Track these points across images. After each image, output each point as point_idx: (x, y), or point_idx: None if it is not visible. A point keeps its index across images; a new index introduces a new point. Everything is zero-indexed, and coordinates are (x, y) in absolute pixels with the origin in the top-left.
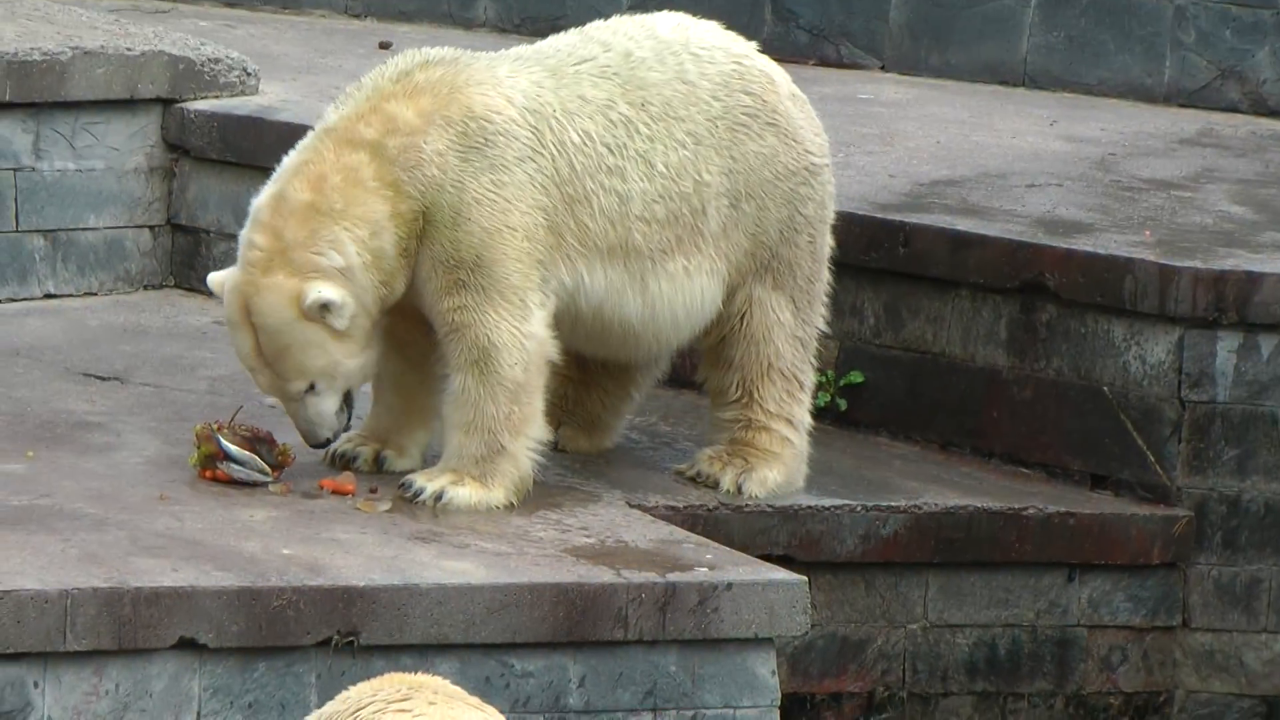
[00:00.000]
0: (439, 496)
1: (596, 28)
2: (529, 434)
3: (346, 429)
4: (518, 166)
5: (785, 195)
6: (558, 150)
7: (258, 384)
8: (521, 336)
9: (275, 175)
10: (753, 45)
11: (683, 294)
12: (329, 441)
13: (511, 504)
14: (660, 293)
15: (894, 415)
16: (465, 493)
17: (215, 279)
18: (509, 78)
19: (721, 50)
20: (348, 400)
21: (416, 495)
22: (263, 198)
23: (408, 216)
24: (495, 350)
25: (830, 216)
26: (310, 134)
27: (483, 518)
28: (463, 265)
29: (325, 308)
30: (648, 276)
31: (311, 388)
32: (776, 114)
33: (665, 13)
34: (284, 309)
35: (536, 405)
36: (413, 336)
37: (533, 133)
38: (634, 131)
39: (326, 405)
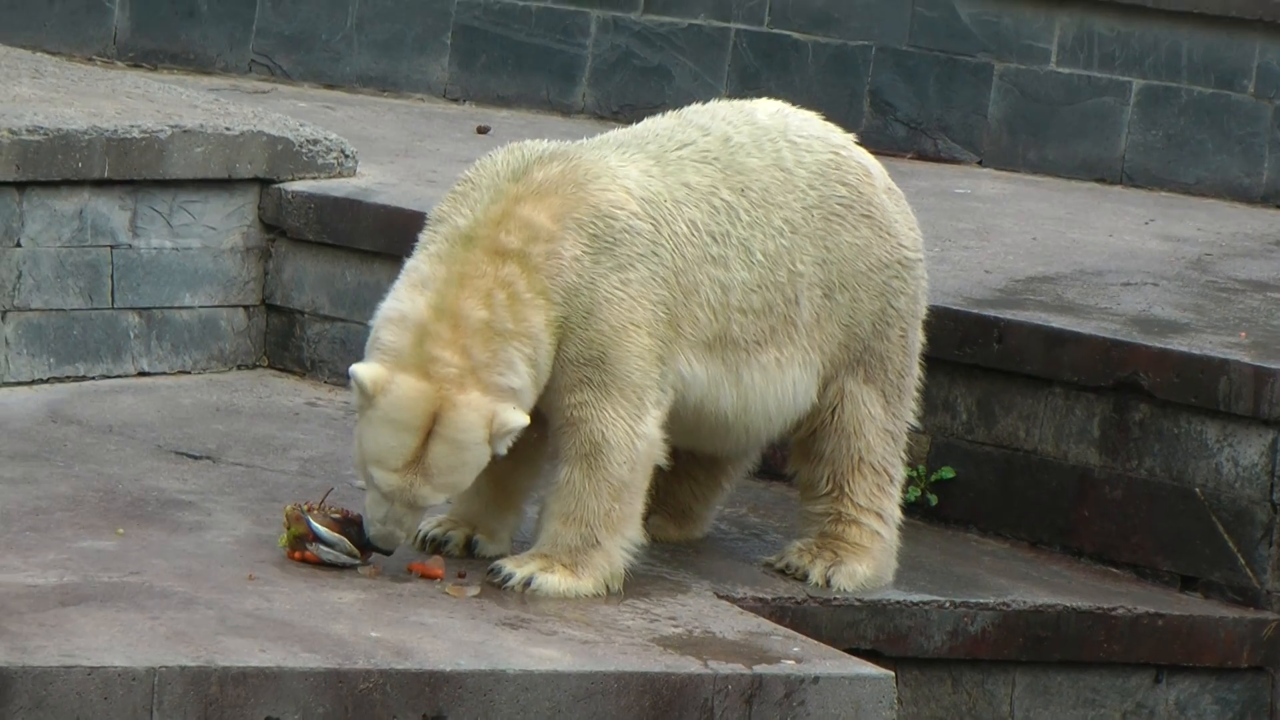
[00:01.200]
0: (528, 582)
1: (694, 112)
2: (625, 533)
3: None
4: (641, 263)
5: (878, 288)
6: (673, 242)
7: (383, 483)
8: (634, 436)
9: (417, 282)
10: (850, 137)
11: (775, 386)
12: (393, 550)
13: (600, 594)
14: (753, 385)
15: (984, 511)
16: (554, 580)
17: (369, 374)
18: (621, 168)
19: (819, 140)
20: None
21: (505, 581)
22: (422, 309)
23: (555, 324)
24: (607, 447)
25: (923, 311)
26: (437, 237)
27: (571, 605)
28: (590, 363)
29: (507, 433)
30: (742, 369)
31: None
32: (872, 206)
33: (764, 100)
34: (479, 429)
35: (637, 506)
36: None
37: (653, 225)
38: (735, 219)
39: (419, 520)
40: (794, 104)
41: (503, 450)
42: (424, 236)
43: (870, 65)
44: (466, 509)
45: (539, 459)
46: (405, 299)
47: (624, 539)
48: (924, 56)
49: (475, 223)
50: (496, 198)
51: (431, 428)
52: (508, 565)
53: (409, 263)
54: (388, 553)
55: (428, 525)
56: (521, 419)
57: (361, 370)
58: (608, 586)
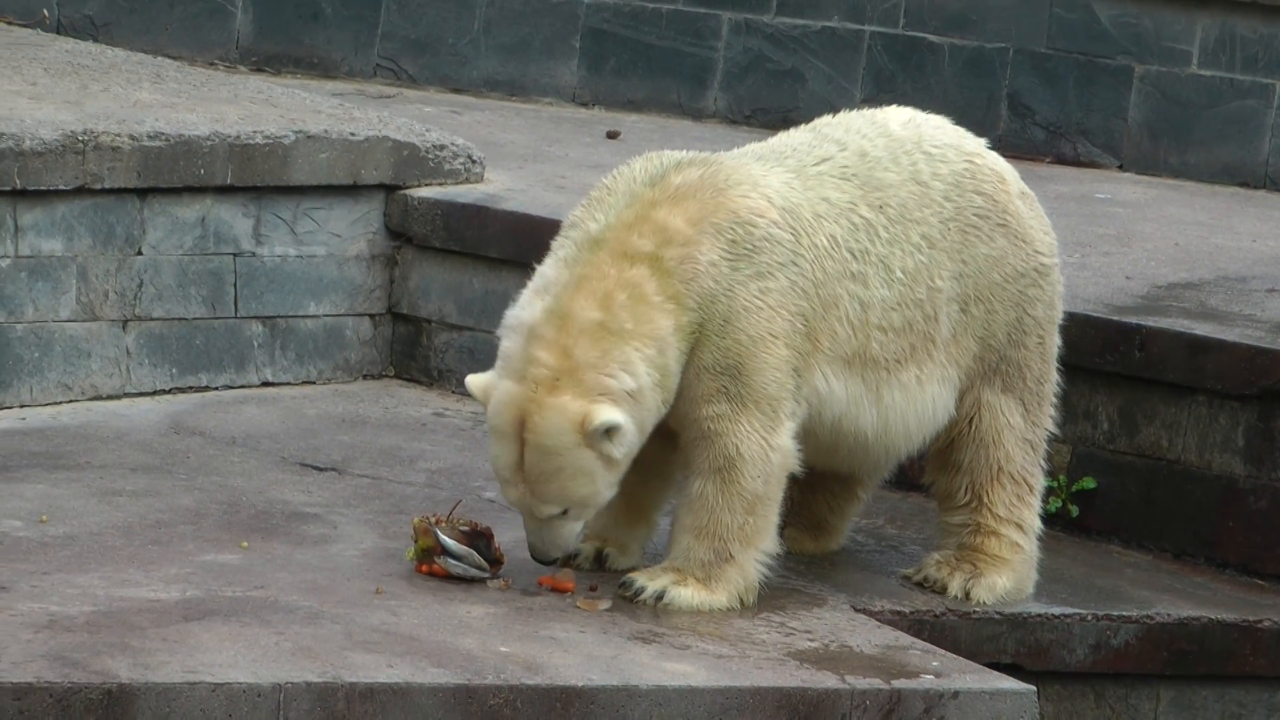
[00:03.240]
0: (660, 596)
1: (828, 125)
2: (760, 546)
3: (576, 553)
4: (780, 272)
5: (1014, 298)
6: (812, 254)
7: (506, 496)
8: (768, 448)
9: (540, 287)
10: (983, 142)
11: (915, 405)
12: (555, 562)
13: (734, 608)
14: (894, 404)
15: (1127, 523)
16: (688, 593)
17: (478, 383)
18: (763, 176)
19: (953, 149)
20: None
21: (637, 594)
22: (537, 313)
23: (687, 329)
24: (741, 461)
25: (1059, 317)
26: (567, 243)
27: (704, 619)
28: (727, 372)
29: (609, 433)
30: (882, 388)
31: (564, 513)
32: (1007, 214)
33: (895, 108)
34: (567, 432)
35: (771, 518)
36: (653, 445)
37: (793, 235)
38: (874, 236)
39: (569, 530)
40: (930, 108)
41: (617, 454)
42: (556, 242)
43: (1008, 68)
44: (597, 522)
45: (670, 471)
46: (524, 305)
47: (758, 552)
48: (1063, 59)
49: (606, 227)
50: (631, 202)
51: (522, 434)
52: (640, 579)
53: (538, 269)
54: (544, 564)
55: None
56: (615, 417)
57: (471, 379)
58: (742, 600)
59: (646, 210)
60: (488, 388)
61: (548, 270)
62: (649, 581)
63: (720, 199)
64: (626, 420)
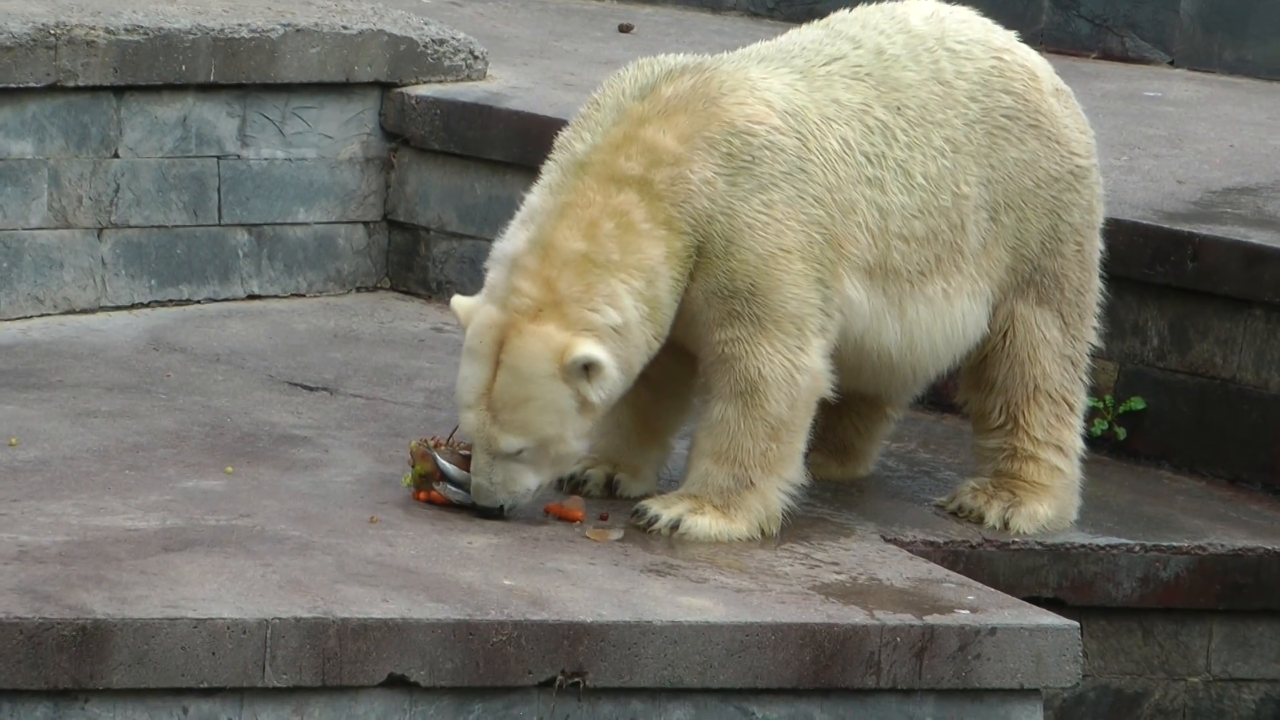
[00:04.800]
0: (675, 525)
1: (843, 20)
2: (784, 474)
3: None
4: (786, 182)
5: (1048, 204)
6: (823, 158)
7: (465, 423)
8: (794, 370)
9: (525, 216)
10: (1013, 35)
11: (943, 320)
12: (501, 510)
13: (754, 538)
14: (919, 319)
15: (1178, 446)
16: (705, 522)
17: (462, 305)
18: (763, 80)
19: (980, 44)
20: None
21: (651, 523)
22: (520, 244)
23: (682, 255)
24: (764, 384)
25: (1099, 221)
26: (554, 167)
27: (723, 550)
28: (737, 295)
29: (589, 371)
30: (906, 302)
31: (519, 452)
32: (1039, 114)
33: (917, 1)
34: (545, 359)
35: (797, 445)
36: (656, 357)
37: (798, 139)
38: (891, 139)
39: (521, 477)
40: (966, 1)
41: (595, 397)
42: (544, 167)
43: None
44: (607, 444)
45: (686, 392)
46: (510, 237)
47: (782, 480)
48: None
49: (593, 148)
50: (620, 119)
51: (499, 356)
52: (654, 506)
53: (526, 198)
54: (485, 513)
55: None
56: (598, 354)
57: (457, 300)
58: (763, 530)
59: (635, 128)
60: (471, 310)
61: (533, 199)
62: (663, 509)
63: (713, 109)
64: (609, 360)
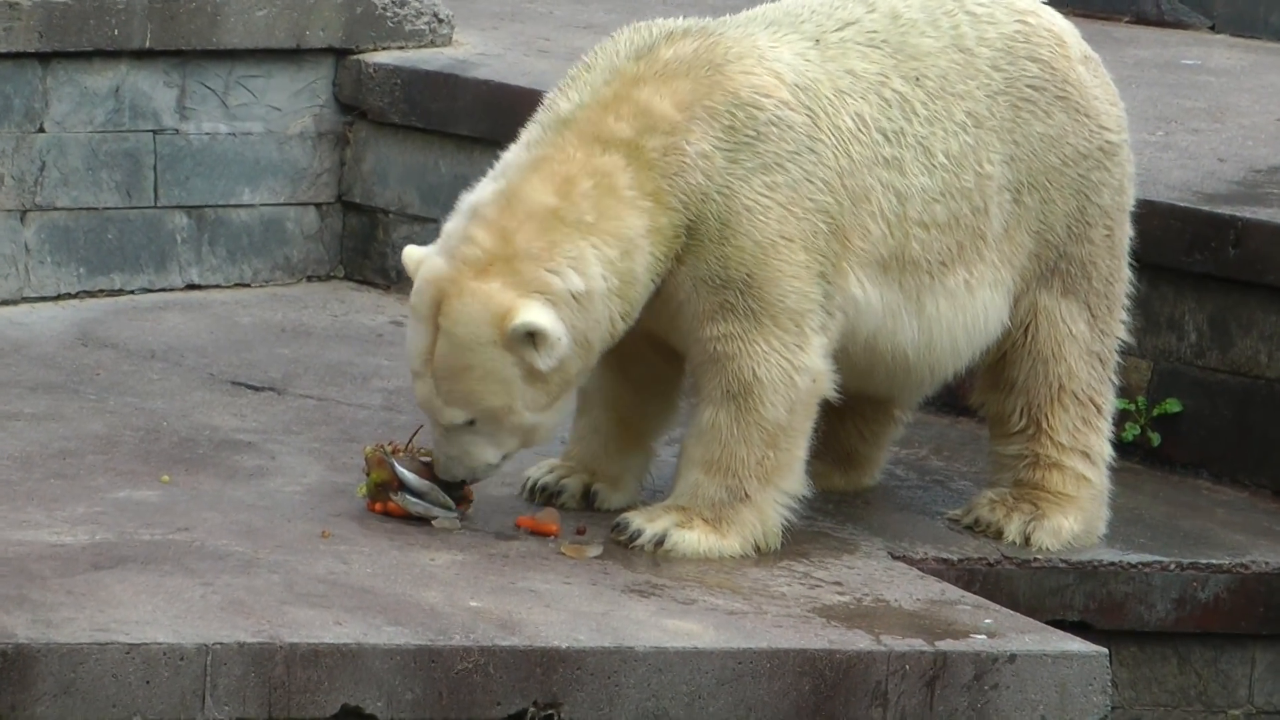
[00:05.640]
0: (661, 540)
1: None
2: (782, 485)
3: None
4: (792, 162)
5: (1075, 183)
6: (834, 138)
7: (415, 392)
8: (792, 371)
9: (498, 171)
10: None
11: (964, 314)
12: (463, 483)
13: (748, 556)
14: (939, 315)
15: (1218, 453)
16: (694, 537)
17: (413, 256)
18: (772, 48)
19: (1003, 7)
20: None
21: (634, 538)
22: (485, 193)
23: (667, 233)
24: (759, 386)
25: (1130, 203)
26: (534, 126)
27: (713, 568)
28: (731, 286)
29: (533, 337)
30: (925, 296)
31: (470, 423)
32: (1067, 84)
33: None
34: (482, 324)
35: (797, 453)
36: (637, 351)
37: (808, 116)
38: (911, 114)
39: (476, 448)
40: None
41: (542, 365)
42: (525, 127)
43: None
44: (584, 451)
45: (672, 392)
46: (479, 188)
47: (779, 492)
48: None
49: (579, 106)
50: (612, 79)
51: (437, 320)
52: (637, 520)
53: (502, 155)
54: (448, 487)
55: (538, 471)
56: (546, 321)
57: (409, 250)
58: (758, 546)
59: (628, 88)
60: (420, 262)
61: (508, 155)
62: (648, 523)
63: (717, 77)
64: (556, 326)
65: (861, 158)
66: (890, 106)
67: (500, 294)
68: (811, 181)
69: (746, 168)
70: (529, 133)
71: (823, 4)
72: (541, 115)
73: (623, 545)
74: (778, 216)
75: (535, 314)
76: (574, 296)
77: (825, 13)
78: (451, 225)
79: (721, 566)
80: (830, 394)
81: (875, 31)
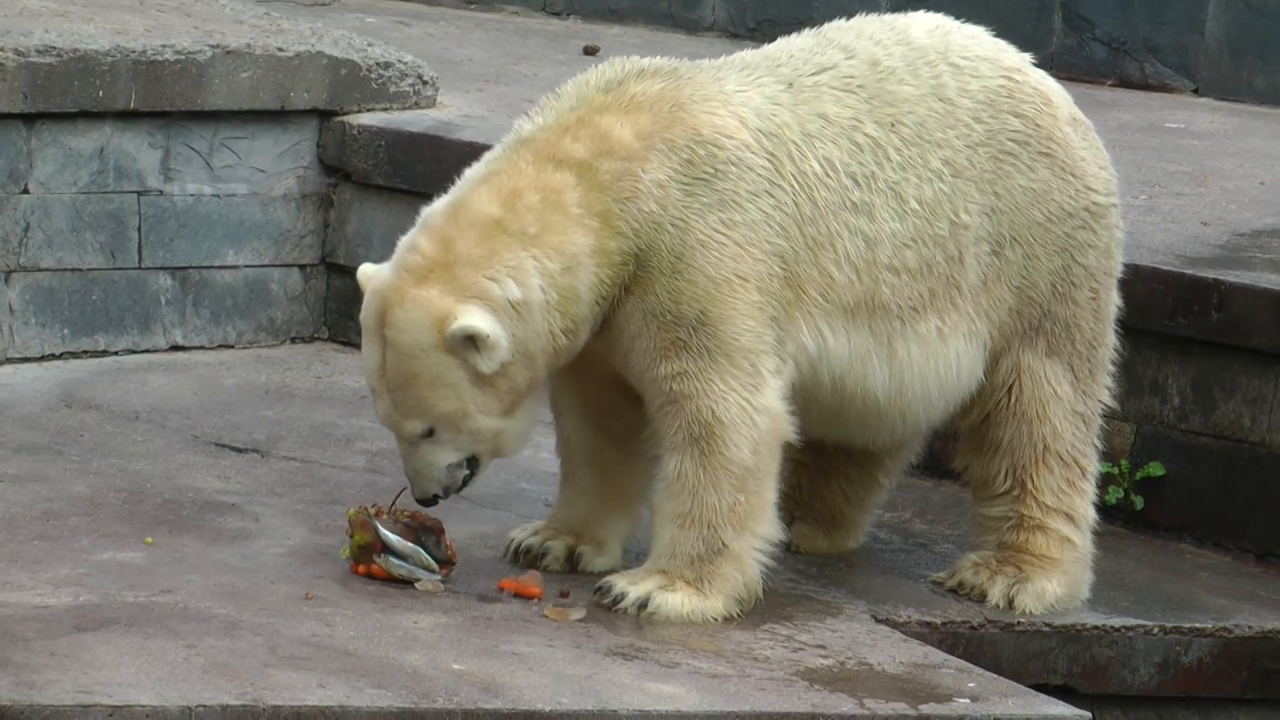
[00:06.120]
0: (644, 604)
1: (837, 29)
2: (757, 530)
3: (459, 490)
4: (751, 203)
5: (1059, 241)
6: (798, 183)
7: (376, 410)
8: (752, 410)
9: (455, 187)
10: (1027, 57)
11: (935, 361)
12: (437, 499)
13: (732, 615)
14: (910, 360)
15: (1202, 517)
16: (677, 600)
17: (365, 271)
18: (739, 93)
19: (988, 62)
20: (473, 462)
21: (617, 602)
22: (437, 205)
23: (615, 257)
24: (720, 427)
25: (1117, 268)
26: (499, 145)
27: (697, 631)
28: (683, 322)
29: (472, 340)
30: (895, 340)
31: (430, 433)
32: (1052, 141)
33: (921, 14)
34: (423, 330)
35: (767, 495)
36: (613, 404)
37: (769, 160)
38: (883, 159)
39: (441, 458)
40: (970, 18)
41: (485, 367)
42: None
43: None
44: (568, 513)
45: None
46: (435, 202)
47: (755, 537)
48: None
49: (539, 128)
50: (577, 105)
51: (383, 332)
52: (620, 583)
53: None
54: (422, 504)
55: (522, 533)
56: (484, 324)
57: (364, 267)
58: (741, 602)
59: (591, 115)
60: (372, 277)
61: (468, 170)
62: (631, 586)
63: (680, 114)
64: (495, 329)
65: (827, 202)
66: (862, 151)
67: (438, 300)
68: (770, 225)
69: (703, 202)
70: (491, 152)
71: (801, 49)
72: (506, 138)
73: (607, 609)
74: (733, 254)
75: (473, 317)
76: (512, 304)
77: (803, 58)
78: (404, 239)
79: (705, 629)
80: (791, 436)
81: (852, 77)
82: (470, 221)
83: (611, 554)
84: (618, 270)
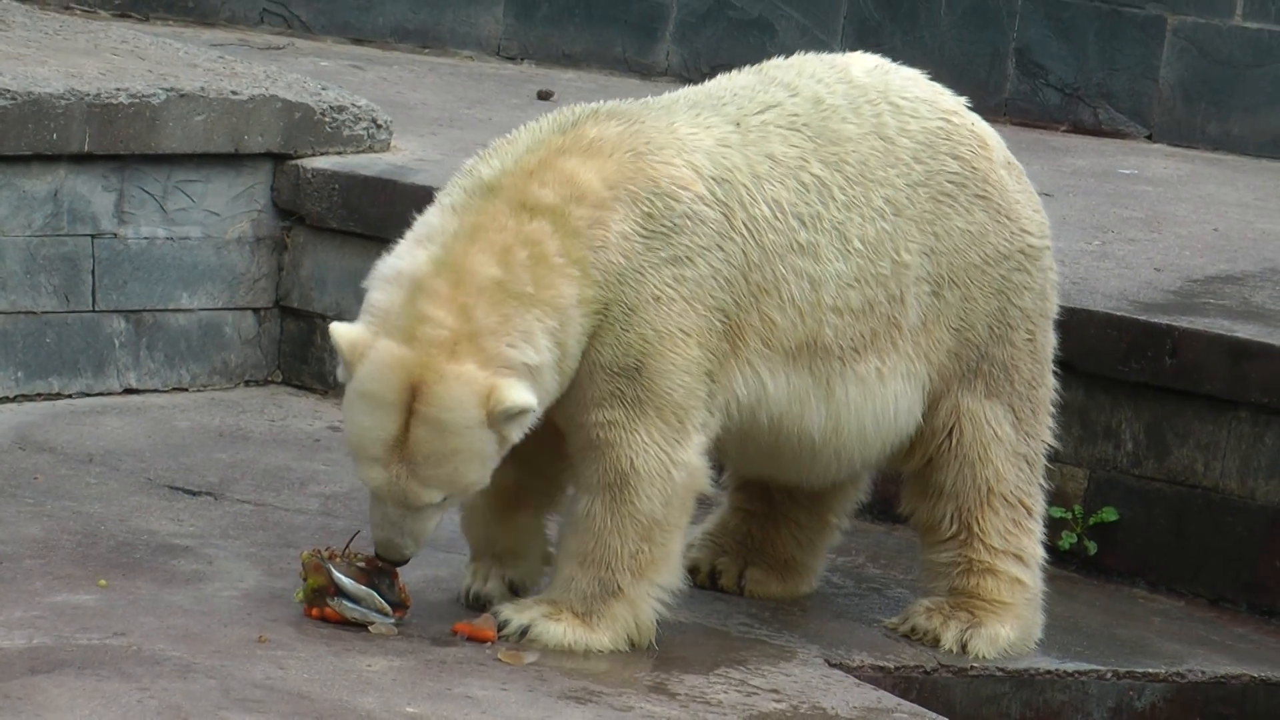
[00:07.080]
0: (524, 631)
1: (777, 67)
2: (657, 579)
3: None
4: (701, 258)
5: (996, 283)
6: (748, 229)
7: (369, 477)
8: (670, 464)
9: (423, 236)
10: (962, 101)
11: (874, 402)
12: (406, 561)
13: (619, 650)
14: (848, 400)
15: (1154, 562)
16: (558, 630)
17: (346, 336)
18: (691, 135)
19: (926, 104)
20: None
21: (501, 628)
22: (422, 263)
23: (592, 306)
24: (635, 477)
25: (1053, 309)
26: (456, 189)
27: (649, 675)
28: (624, 374)
29: (514, 415)
30: (834, 381)
31: (441, 502)
32: (988, 184)
33: (860, 54)
34: (469, 407)
35: (673, 547)
36: (535, 436)
37: (723, 213)
38: (828, 198)
39: (432, 524)
40: (924, 66)
41: (516, 436)
42: (442, 191)
43: (1016, 18)
44: (490, 548)
45: (555, 471)
46: (403, 255)
47: (654, 585)
48: (1082, 7)
49: (503, 172)
50: (535, 148)
51: (412, 405)
52: (505, 610)
53: (419, 218)
54: (394, 565)
55: (475, 580)
56: (528, 398)
57: (340, 330)
58: (632, 641)
59: (552, 157)
60: (359, 343)
61: (432, 218)
62: (516, 613)
63: (639, 163)
64: (533, 400)
65: (774, 245)
66: (808, 191)
67: (480, 376)
68: (716, 279)
69: (660, 256)
70: (451, 196)
71: (744, 88)
72: (463, 180)
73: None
74: (679, 310)
75: (520, 394)
76: (529, 369)
77: (747, 95)
78: (388, 299)
79: (658, 673)
80: (707, 490)
81: (797, 115)
82: (479, 287)
83: (530, 562)
84: (592, 320)
